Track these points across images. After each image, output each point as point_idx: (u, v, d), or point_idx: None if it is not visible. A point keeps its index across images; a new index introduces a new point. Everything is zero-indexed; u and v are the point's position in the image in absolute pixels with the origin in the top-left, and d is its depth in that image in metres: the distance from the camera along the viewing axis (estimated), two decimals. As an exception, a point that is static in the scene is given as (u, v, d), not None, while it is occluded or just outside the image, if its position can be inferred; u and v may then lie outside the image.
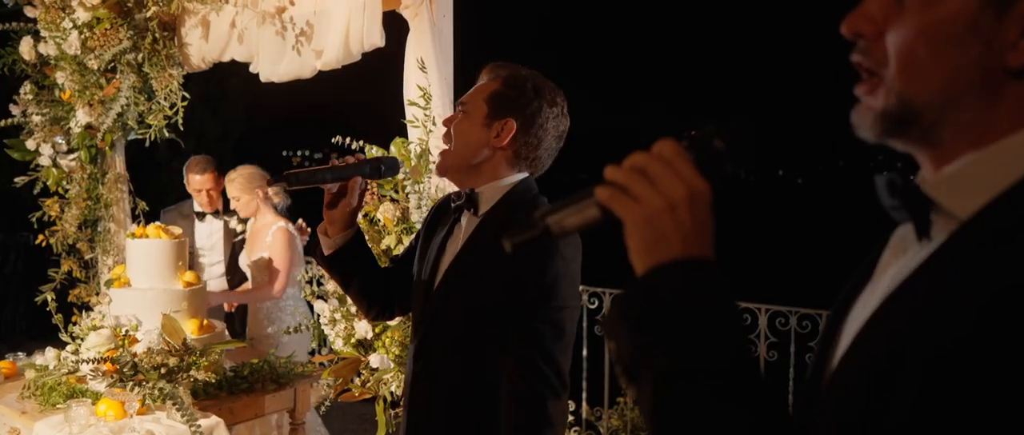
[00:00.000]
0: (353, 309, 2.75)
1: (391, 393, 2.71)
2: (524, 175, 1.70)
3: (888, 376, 0.62)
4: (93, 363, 2.46)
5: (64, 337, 2.74)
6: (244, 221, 4.21)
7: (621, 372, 0.75)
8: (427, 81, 2.74)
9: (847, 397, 0.67)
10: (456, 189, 1.79)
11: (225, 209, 4.31)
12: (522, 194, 1.66)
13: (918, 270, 0.69)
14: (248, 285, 3.97)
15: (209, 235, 4.26)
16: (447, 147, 1.71)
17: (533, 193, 1.68)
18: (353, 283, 1.85)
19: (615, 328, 0.75)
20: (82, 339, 2.66)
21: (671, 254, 0.73)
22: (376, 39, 2.91)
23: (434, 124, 2.74)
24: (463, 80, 2.97)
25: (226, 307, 4.11)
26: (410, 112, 2.79)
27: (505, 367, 1.59)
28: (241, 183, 3.90)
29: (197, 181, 4.18)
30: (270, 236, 3.84)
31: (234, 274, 4.20)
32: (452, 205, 1.73)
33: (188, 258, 4.19)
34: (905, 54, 0.70)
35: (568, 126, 1.73)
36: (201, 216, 4.24)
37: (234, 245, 4.24)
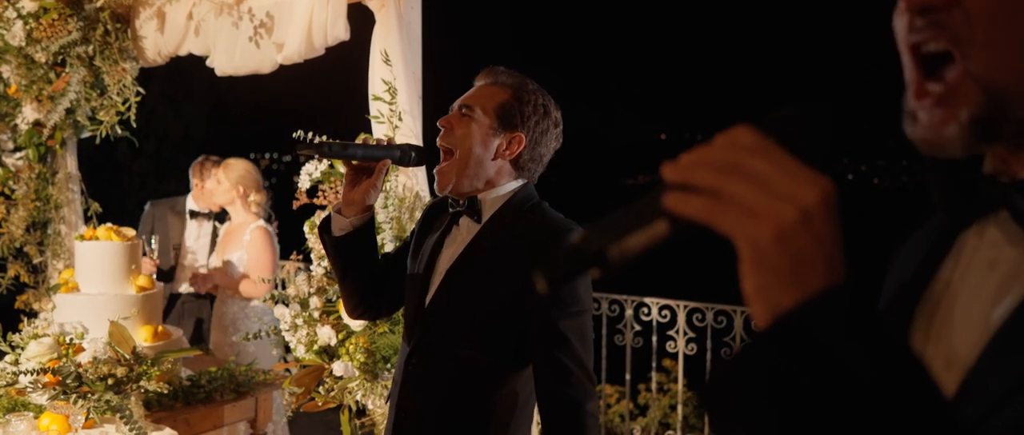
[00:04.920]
0: (315, 314, 2.63)
1: (356, 402, 2.59)
2: (523, 182, 1.72)
3: None
4: (33, 374, 2.30)
5: (3, 346, 2.57)
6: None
7: None
8: (392, 75, 2.63)
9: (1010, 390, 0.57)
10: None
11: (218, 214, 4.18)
12: (523, 201, 1.69)
13: None
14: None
15: (198, 237, 4.14)
16: (449, 151, 1.67)
17: (534, 200, 1.71)
18: (351, 274, 1.81)
19: (760, 403, 0.54)
20: (22, 348, 2.50)
21: (817, 284, 0.54)
22: (340, 32, 2.79)
23: (400, 119, 2.63)
24: (431, 75, 2.87)
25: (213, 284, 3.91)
26: (375, 107, 2.67)
27: (518, 369, 1.63)
28: (229, 172, 3.79)
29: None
30: (248, 234, 3.71)
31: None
32: (450, 210, 1.72)
33: (173, 255, 4.05)
34: (998, 24, 0.58)
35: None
36: (194, 215, 4.09)
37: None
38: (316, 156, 1.68)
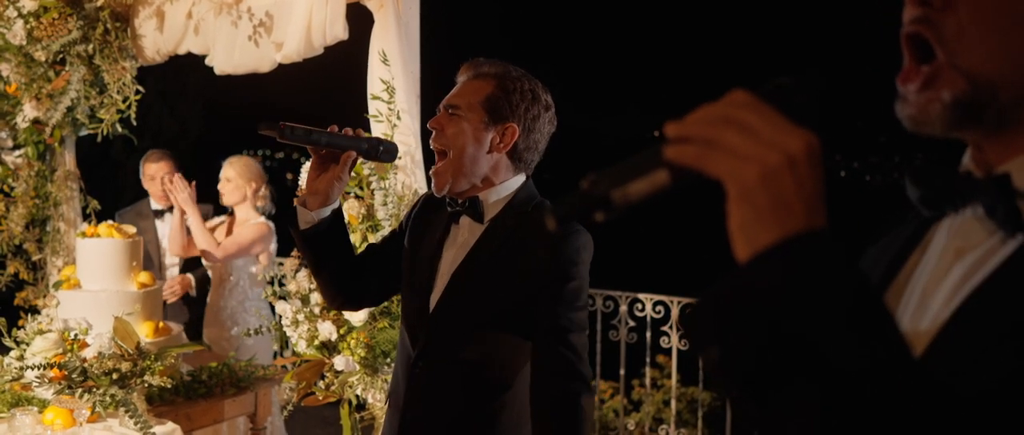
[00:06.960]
0: (316, 310, 2.67)
1: (356, 396, 2.63)
2: (523, 177, 1.68)
3: (1003, 347, 0.60)
4: (39, 369, 2.34)
5: (8, 342, 2.61)
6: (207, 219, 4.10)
7: (738, 383, 0.60)
8: (390, 74, 2.67)
9: (965, 372, 0.61)
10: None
11: None
12: (525, 200, 1.65)
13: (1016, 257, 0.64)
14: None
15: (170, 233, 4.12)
16: (443, 152, 1.62)
17: (536, 200, 1.67)
18: (326, 267, 1.74)
19: (732, 328, 0.59)
20: (27, 344, 2.53)
21: (797, 225, 0.59)
22: (339, 32, 2.83)
23: (398, 118, 2.67)
24: (429, 74, 2.91)
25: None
26: (373, 106, 2.71)
27: (521, 369, 1.62)
28: (239, 168, 3.77)
29: (152, 169, 4.02)
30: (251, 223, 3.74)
31: (193, 268, 4.05)
32: (449, 209, 1.67)
33: (156, 262, 4.06)
34: (989, 22, 0.64)
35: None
36: (159, 214, 4.09)
37: None
38: (278, 136, 1.56)
